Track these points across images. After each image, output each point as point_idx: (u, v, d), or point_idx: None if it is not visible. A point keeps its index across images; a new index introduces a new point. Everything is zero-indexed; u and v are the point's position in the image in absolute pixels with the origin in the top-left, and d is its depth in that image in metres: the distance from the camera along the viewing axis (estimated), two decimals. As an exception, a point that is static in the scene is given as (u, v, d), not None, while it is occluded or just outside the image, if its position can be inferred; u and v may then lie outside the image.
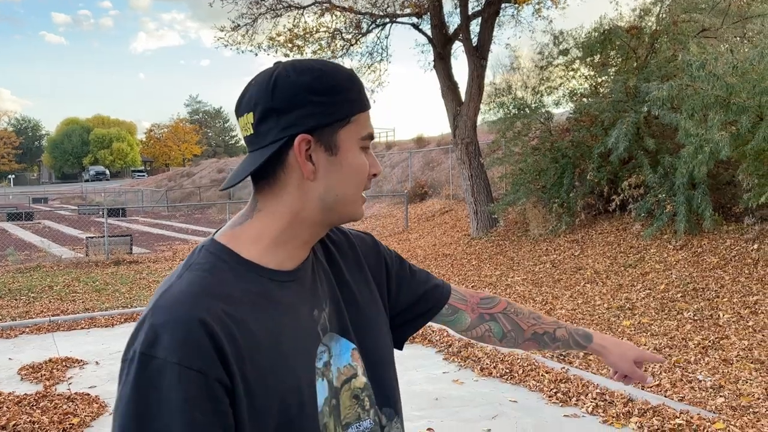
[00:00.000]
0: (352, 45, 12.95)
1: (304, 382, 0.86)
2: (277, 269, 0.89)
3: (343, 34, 12.88)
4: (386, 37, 13.80)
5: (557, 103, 10.86)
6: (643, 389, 4.29)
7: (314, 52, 12.68)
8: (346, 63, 13.06)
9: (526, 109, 10.73)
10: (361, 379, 0.96)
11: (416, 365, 5.28)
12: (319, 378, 0.89)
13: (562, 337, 1.28)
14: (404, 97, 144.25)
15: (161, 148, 69.41)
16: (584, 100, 10.41)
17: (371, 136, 0.93)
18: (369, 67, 13.64)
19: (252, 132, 0.87)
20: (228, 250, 0.87)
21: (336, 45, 12.81)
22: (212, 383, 0.75)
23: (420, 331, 6.17)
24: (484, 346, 5.52)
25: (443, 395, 4.54)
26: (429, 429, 3.92)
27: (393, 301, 1.10)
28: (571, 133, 10.26)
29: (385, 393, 1.00)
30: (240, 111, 0.90)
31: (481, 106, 11.53)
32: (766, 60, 6.76)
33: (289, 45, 12.68)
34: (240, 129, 0.90)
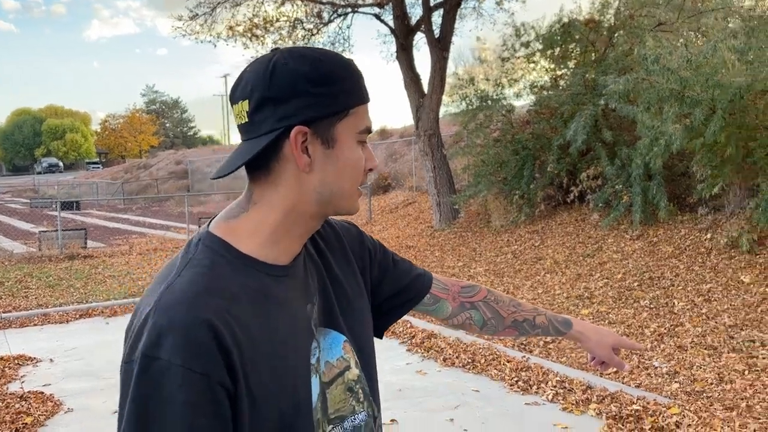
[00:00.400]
0: (313, 35, 12.81)
1: (300, 381, 0.86)
2: (273, 264, 0.87)
3: (304, 24, 12.72)
4: (348, 27, 13.73)
5: (518, 96, 10.97)
6: (602, 376, 4.38)
7: (275, 42, 12.49)
8: (308, 53, 12.87)
9: (488, 101, 10.81)
10: (354, 371, 0.96)
11: (379, 357, 5.27)
12: (312, 374, 0.89)
13: (541, 324, 1.29)
14: (367, 89, 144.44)
15: (117, 139, 67.57)
16: (544, 92, 10.54)
17: (369, 130, 0.91)
18: (331, 58, 13.49)
19: (247, 120, 0.84)
20: (226, 244, 0.85)
21: (297, 35, 12.64)
22: (215, 386, 0.74)
23: (383, 323, 6.18)
24: (447, 337, 5.55)
25: (406, 386, 4.55)
26: (392, 420, 3.91)
27: (376, 291, 1.10)
28: (532, 125, 10.39)
29: (374, 385, 1.01)
30: (235, 98, 0.86)
31: (444, 97, 11.56)
32: (718, 54, 6.95)
33: (249, 35, 12.47)
34: (234, 116, 0.87)
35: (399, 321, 6.16)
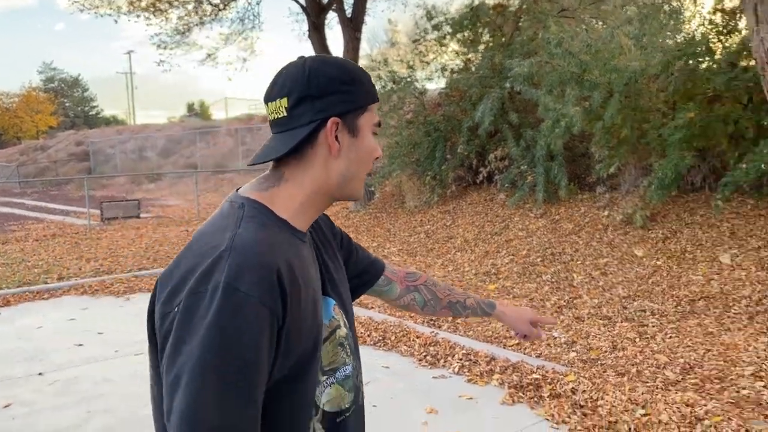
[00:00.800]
0: (220, 10, 12.35)
1: (316, 331, 0.99)
2: (300, 230, 1.03)
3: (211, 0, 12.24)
4: (258, 4, 13.33)
5: (429, 78, 11.10)
6: (505, 348, 4.54)
7: (180, 18, 11.96)
8: (216, 29, 12.41)
9: (402, 83, 10.86)
10: (344, 330, 1.11)
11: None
12: None
13: (471, 305, 1.53)
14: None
15: (11, 119, 62.70)
16: (455, 75, 10.71)
17: (379, 124, 1.08)
18: (240, 35, 13.13)
19: (285, 114, 1.00)
20: (267, 209, 1.00)
21: (204, 10, 12.15)
22: (274, 321, 0.88)
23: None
24: (359, 316, 5.57)
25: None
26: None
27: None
28: (443, 108, 10.55)
29: (356, 343, 1.17)
30: (272, 96, 1.02)
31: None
32: (615, 40, 7.30)
33: (152, 9, 11.86)
34: (269, 112, 1.02)
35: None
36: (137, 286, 7.27)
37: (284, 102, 1.00)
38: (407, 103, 11.02)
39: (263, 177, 1.05)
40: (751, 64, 6.39)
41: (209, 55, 13.59)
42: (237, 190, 1.06)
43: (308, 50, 12.63)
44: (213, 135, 25.26)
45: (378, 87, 11.01)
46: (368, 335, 5.12)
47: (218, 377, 0.84)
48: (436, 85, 11.78)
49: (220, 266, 0.87)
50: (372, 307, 6.03)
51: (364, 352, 4.78)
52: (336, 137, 1.01)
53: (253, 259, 0.88)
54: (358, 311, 5.75)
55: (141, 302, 6.58)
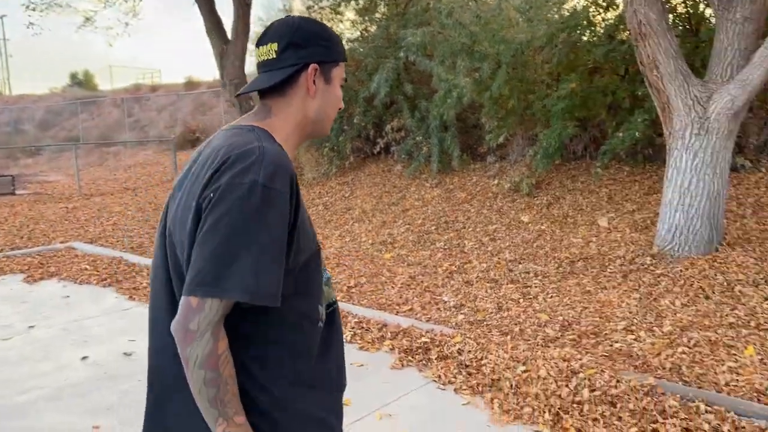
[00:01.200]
0: (98, -31, 11.42)
1: (314, 234, 1.23)
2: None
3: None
4: (141, -35, 12.41)
5: (325, 47, 10.88)
6: (397, 315, 4.59)
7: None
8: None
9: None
10: (327, 272, 1.33)
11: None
12: None
13: None
14: (172, 37, 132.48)
15: None
16: (351, 44, 10.57)
17: (346, 80, 1.33)
18: (122, -3, 12.23)
19: (274, 56, 1.22)
20: (270, 135, 1.19)
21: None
22: (290, 215, 1.11)
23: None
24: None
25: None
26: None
27: None
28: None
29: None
30: (263, 42, 1.25)
31: (252, 46, 11.09)
32: (504, 12, 7.47)
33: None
34: (258, 55, 1.24)
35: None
36: (8, 267, 6.69)
37: (274, 46, 1.22)
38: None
39: (253, 112, 1.26)
40: (627, 36, 6.74)
41: (87, 19, 12.62)
42: (228, 124, 1.27)
43: (196, 16, 11.99)
44: (98, 106, 23.61)
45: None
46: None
47: (258, 249, 1.04)
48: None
49: (255, 168, 1.06)
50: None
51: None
52: (314, 81, 1.24)
53: (280, 166, 1.09)
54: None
55: (12, 284, 6.06)
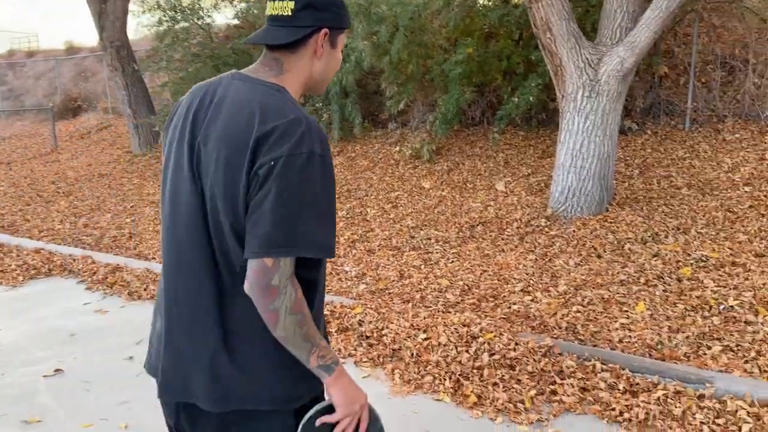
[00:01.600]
0: None
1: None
2: None
3: None
4: None
5: (215, 6, 10.25)
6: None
7: None
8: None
9: (186, 11, 9.88)
10: None
11: (48, 300, 4.54)
12: None
13: None
14: None
15: None
16: (243, 5, 10.02)
17: (346, 46, 1.15)
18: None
19: (290, 14, 1.28)
20: (291, 96, 1.30)
21: None
22: None
23: (58, 262, 5.35)
24: (135, 268, 5.03)
25: (81, 329, 3.98)
26: (57, 370, 3.37)
27: None
28: (232, 41, 9.85)
29: None
30: None
31: (135, 7, 10.24)
32: (400, -27, 7.26)
33: None
34: (271, 9, 1.30)
35: (78, 257, 5.40)
36: None
37: (291, 4, 1.27)
38: (192, 35, 10.11)
39: (265, 65, 1.31)
40: (521, 0, 6.76)
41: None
42: (236, 72, 1.32)
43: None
44: (-37, 73, 21.24)
45: (155, 18, 9.97)
46: (144, 289, 4.64)
47: (318, 211, 1.18)
48: (226, 18, 10.95)
49: (307, 139, 1.16)
50: (153, 258, 5.50)
51: (139, 308, 4.34)
52: (322, 45, 1.31)
53: (323, 134, 1.22)
54: (131, 262, 5.21)
55: None
